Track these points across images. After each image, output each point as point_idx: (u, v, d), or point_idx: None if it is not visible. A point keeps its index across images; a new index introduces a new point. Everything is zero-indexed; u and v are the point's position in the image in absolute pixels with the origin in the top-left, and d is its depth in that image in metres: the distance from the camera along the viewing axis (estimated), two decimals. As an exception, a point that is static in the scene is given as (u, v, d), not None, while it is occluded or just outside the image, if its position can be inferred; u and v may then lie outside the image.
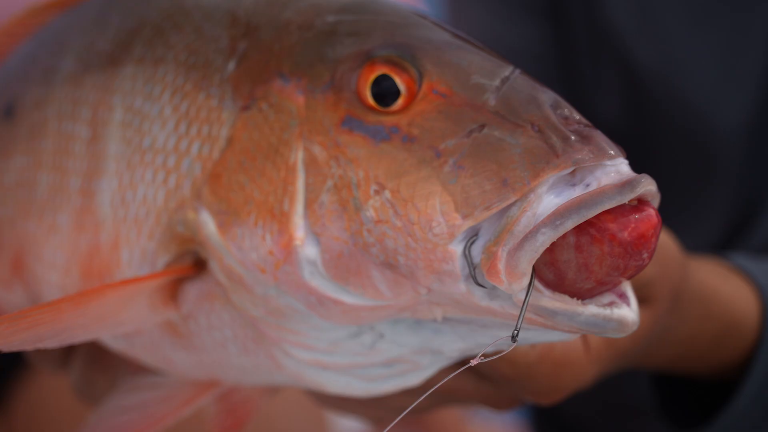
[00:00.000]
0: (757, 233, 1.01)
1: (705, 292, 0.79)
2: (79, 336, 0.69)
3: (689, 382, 0.87)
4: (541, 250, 0.58)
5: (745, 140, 1.01)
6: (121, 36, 0.75)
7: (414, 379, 0.68)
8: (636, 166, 0.61)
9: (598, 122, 0.93)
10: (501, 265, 0.58)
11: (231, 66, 0.69)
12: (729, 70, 1.01)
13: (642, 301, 0.72)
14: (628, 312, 0.60)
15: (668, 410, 0.87)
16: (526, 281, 0.59)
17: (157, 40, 0.73)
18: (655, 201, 0.61)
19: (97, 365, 0.81)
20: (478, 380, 0.71)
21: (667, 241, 0.75)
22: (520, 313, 0.59)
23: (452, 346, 0.65)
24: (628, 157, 0.61)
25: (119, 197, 0.72)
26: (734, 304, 0.81)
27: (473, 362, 0.61)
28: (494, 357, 0.61)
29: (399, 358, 0.67)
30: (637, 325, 0.61)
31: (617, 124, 1.07)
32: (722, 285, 0.81)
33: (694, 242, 0.89)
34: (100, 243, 0.73)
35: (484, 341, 0.64)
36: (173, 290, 0.70)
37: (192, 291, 0.69)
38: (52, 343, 0.67)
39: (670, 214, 1.01)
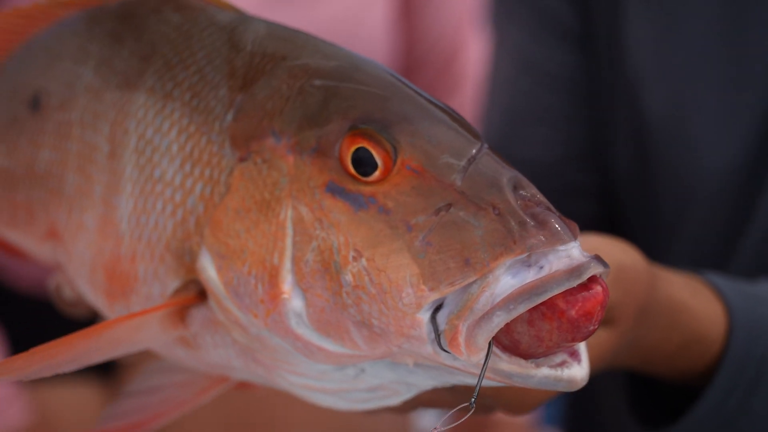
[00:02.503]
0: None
1: (673, 304, 0.84)
2: (94, 359, 0.75)
3: (660, 384, 0.93)
4: (496, 330, 0.64)
5: (743, 183, 1.04)
6: (135, 61, 0.80)
7: (394, 401, 0.75)
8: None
9: (612, 165, 0.92)
10: (461, 339, 0.65)
11: (229, 117, 0.74)
12: (729, 114, 1.03)
13: (606, 323, 0.79)
14: (578, 371, 0.67)
15: (637, 409, 0.93)
16: (482, 354, 0.65)
17: (166, 75, 0.78)
18: (605, 275, 0.67)
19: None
20: (454, 392, 0.79)
21: (632, 263, 0.80)
22: (478, 382, 0.66)
23: (425, 382, 0.72)
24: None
25: (135, 218, 0.78)
26: (701, 316, 0.86)
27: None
28: (454, 425, 0.68)
29: (380, 387, 0.74)
30: (586, 381, 0.67)
31: (626, 164, 1.09)
32: (691, 298, 0.86)
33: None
34: (121, 254, 0.79)
35: (453, 381, 0.71)
36: (182, 313, 0.76)
37: (198, 315, 0.76)
38: (68, 368, 0.73)
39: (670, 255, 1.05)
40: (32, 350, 0.71)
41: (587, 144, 1.13)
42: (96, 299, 0.83)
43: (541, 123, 1.15)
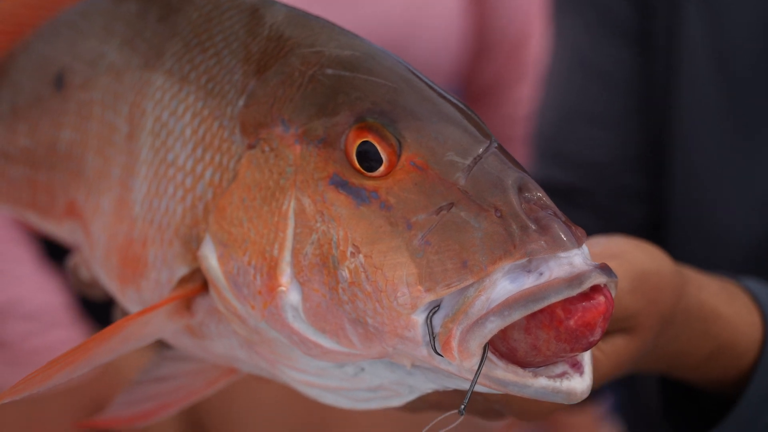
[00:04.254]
0: None
1: (704, 312, 0.81)
2: (107, 358, 0.74)
3: (695, 390, 0.89)
4: (489, 336, 0.62)
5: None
6: (156, 41, 0.78)
7: (396, 402, 0.73)
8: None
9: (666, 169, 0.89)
10: (454, 343, 0.63)
11: (241, 102, 0.72)
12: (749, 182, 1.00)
13: (626, 331, 0.76)
14: (578, 383, 0.64)
15: (671, 414, 0.90)
16: (475, 360, 0.63)
17: (184, 57, 0.76)
18: (611, 285, 0.64)
19: None
20: (462, 393, 0.76)
21: (656, 269, 0.77)
22: (469, 388, 0.64)
23: (424, 385, 0.70)
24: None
25: (148, 202, 0.77)
26: (735, 323, 0.82)
27: None
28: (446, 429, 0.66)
29: (380, 387, 0.71)
30: (588, 393, 0.64)
31: (680, 169, 1.06)
32: (725, 305, 0.82)
33: None
34: (134, 238, 0.78)
35: (451, 385, 0.69)
36: (188, 300, 0.75)
37: (203, 304, 0.75)
38: (84, 371, 0.73)
39: None
40: (49, 363, 0.71)
41: (642, 146, 1.09)
42: (110, 283, 0.82)
43: (595, 122, 1.12)
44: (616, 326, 0.75)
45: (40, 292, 1.46)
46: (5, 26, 0.92)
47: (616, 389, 1.22)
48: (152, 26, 0.79)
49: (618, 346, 0.76)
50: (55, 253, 1.47)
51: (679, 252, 0.91)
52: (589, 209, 1.11)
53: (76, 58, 0.85)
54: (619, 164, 1.11)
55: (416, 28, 1.44)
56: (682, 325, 0.80)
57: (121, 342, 0.74)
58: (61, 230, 0.87)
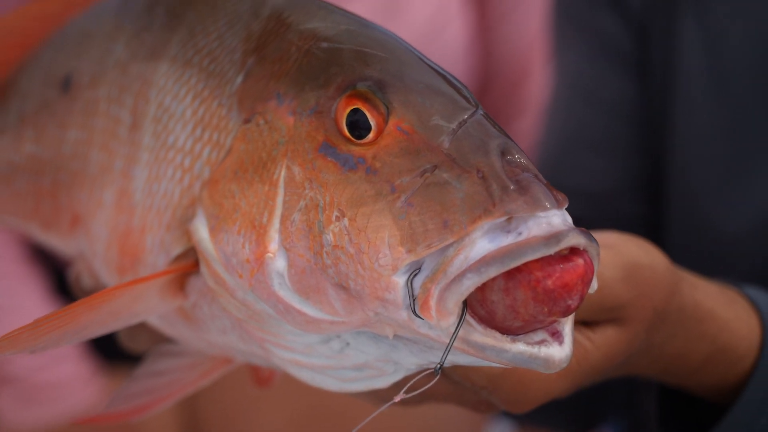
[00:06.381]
0: None
1: (700, 313, 0.80)
2: (98, 331, 0.75)
3: (693, 400, 0.88)
4: (467, 293, 0.62)
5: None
6: (163, 32, 0.80)
7: (382, 383, 0.73)
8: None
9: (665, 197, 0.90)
10: (432, 302, 0.63)
11: (239, 79, 0.74)
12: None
13: (617, 321, 0.76)
14: (556, 351, 0.64)
15: (668, 422, 0.89)
16: (453, 319, 0.63)
17: (189, 42, 0.78)
18: (592, 251, 0.64)
19: (137, 324, 0.88)
20: (453, 383, 0.76)
21: (649, 263, 0.77)
22: (446, 349, 0.64)
23: (408, 359, 0.70)
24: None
25: (148, 187, 0.78)
26: (732, 327, 0.82)
27: (396, 399, 0.66)
28: (420, 391, 0.66)
29: (366, 364, 0.72)
30: (567, 362, 0.64)
31: (678, 196, 1.07)
32: (722, 308, 0.82)
33: None
34: (133, 226, 0.79)
35: (434, 359, 0.69)
36: (181, 281, 0.76)
37: (197, 283, 0.75)
38: (74, 341, 0.74)
39: None
40: (36, 321, 0.71)
41: (642, 173, 1.10)
42: (110, 278, 0.83)
43: (596, 151, 1.13)
44: (607, 316, 0.76)
45: None
46: (15, 39, 0.94)
47: (617, 421, 1.21)
48: (160, 19, 0.81)
49: (609, 337, 0.76)
50: (62, 287, 1.49)
51: None
52: None
53: (83, 58, 0.87)
54: (620, 192, 1.11)
55: None
56: (676, 325, 0.80)
57: (111, 315, 0.74)
58: (68, 245, 0.88)
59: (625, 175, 1.11)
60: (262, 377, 0.88)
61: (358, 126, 0.68)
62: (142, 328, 0.87)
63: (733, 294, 0.85)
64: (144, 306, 0.76)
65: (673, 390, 0.88)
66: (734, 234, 1.03)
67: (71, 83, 0.87)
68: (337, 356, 0.72)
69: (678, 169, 1.07)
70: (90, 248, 0.85)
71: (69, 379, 1.44)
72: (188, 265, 0.75)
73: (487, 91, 1.61)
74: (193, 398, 1.46)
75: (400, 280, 0.65)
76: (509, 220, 0.63)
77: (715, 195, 1.04)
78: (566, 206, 0.65)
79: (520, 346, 0.63)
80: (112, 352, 1.47)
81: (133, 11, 0.84)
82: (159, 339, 0.85)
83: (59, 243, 0.90)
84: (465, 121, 0.67)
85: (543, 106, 1.20)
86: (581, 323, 0.76)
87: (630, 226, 1.10)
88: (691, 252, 1.06)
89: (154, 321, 0.83)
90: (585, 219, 1.12)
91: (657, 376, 0.84)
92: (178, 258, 0.76)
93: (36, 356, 1.45)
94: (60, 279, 1.50)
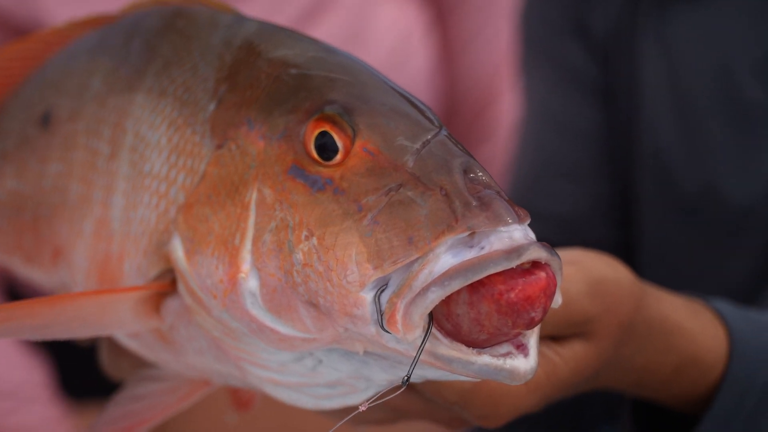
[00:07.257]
0: None
1: (667, 325, 0.82)
2: (61, 333, 0.77)
3: (663, 410, 0.90)
4: (431, 306, 0.64)
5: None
6: (139, 65, 0.83)
7: (355, 400, 0.75)
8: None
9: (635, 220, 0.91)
10: (399, 316, 0.65)
11: (212, 107, 0.76)
12: (748, 151, 1.03)
13: (584, 336, 0.78)
14: (522, 363, 0.66)
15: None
16: (419, 333, 0.65)
17: (163, 74, 0.81)
18: (555, 265, 0.66)
19: (119, 351, 0.90)
20: (426, 400, 0.78)
21: (614, 278, 0.79)
22: (413, 361, 0.66)
23: (379, 376, 0.72)
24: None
25: (125, 215, 0.80)
26: (698, 339, 0.84)
27: (362, 407, 0.68)
28: (384, 399, 0.68)
29: (339, 381, 0.74)
30: (532, 374, 0.66)
31: (649, 218, 1.09)
32: (688, 320, 0.84)
33: None
34: (112, 253, 0.81)
35: (403, 374, 0.71)
36: (157, 302, 0.78)
37: (173, 305, 0.77)
38: (33, 336, 0.76)
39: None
40: None
41: (611, 197, 1.12)
42: None
43: (566, 178, 1.15)
44: (574, 330, 0.78)
45: (17, 370, 1.47)
46: None
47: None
48: (135, 52, 0.84)
49: (576, 351, 0.78)
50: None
51: None
52: None
53: (62, 94, 0.89)
54: (589, 217, 1.14)
55: None
56: (644, 338, 0.81)
57: (77, 320, 0.76)
58: (51, 278, 0.90)
59: (595, 199, 1.14)
60: (241, 401, 0.90)
61: (326, 148, 0.70)
62: (125, 355, 0.88)
63: (698, 306, 0.87)
64: (114, 319, 0.77)
65: (647, 402, 0.90)
66: (704, 252, 1.05)
67: (50, 119, 0.89)
68: (310, 374, 0.74)
69: (644, 190, 1.09)
70: (71, 279, 0.87)
71: (40, 421, 1.45)
72: (164, 285, 0.77)
73: (452, 117, 1.63)
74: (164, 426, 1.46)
75: (367, 295, 0.67)
76: (472, 235, 0.65)
77: (690, 208, 1.06)
78: (528, 222, 0.67)
79: (485, 359, 0.65)
80: (82, 392, 1.49)
81: (110, 46, 0.86)
82: (141, 366, 0.87)
83: (41, 276, 0.92)
84: (428, 141, 0.69)
85: (511, 131, 1.22)
86: (549, 338, 0.78)
87: (601, 250, 1.12)
88: (663, 278, 1.07)
89: (134, 346, 0.85)
90: (557, 243, 1.14)
91: (629, 389, 0.86)
92: (155, 279, 0.78)
93: (4, 400, 1.46)
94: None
